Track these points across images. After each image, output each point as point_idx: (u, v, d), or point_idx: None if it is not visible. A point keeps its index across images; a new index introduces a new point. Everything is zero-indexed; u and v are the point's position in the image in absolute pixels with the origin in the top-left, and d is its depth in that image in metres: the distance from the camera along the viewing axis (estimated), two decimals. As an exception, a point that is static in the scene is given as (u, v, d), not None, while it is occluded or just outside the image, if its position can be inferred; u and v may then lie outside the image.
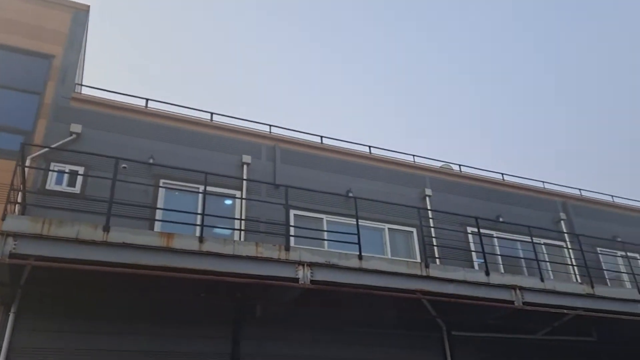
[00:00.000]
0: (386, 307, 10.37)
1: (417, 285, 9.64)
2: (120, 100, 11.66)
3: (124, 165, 10.26)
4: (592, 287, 11.35)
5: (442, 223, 12.76)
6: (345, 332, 10.61)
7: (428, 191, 13.84)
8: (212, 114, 12.43)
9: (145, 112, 11.75)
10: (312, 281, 8.72)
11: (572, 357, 12.62)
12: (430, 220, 12.94)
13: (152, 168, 10.84)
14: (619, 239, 15.35)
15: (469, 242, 13.54)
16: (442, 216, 12.71)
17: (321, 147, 13.36)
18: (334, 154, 13.41)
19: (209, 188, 9.71)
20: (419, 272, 9.69)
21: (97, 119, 11.08)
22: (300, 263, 8.77)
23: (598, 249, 15.18)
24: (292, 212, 11.43)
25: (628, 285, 14.39)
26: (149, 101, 11.89)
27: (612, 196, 17.39)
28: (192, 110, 12.32)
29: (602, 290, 11.48)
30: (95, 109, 11.21)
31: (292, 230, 10.45)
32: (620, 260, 15.15)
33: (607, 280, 14.66)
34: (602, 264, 14.90)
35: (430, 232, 12.76)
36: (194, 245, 8.18)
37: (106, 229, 7.78)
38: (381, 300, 9.68)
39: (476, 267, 12.84)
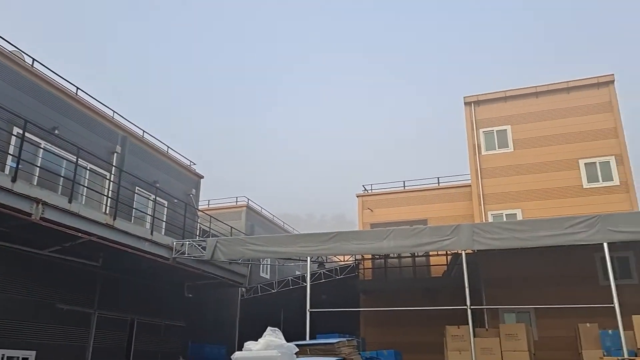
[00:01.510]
0: None
1: None
2: None
3: None
4: (114, 219, 12.14)
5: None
6: None
7: (-20, 71, 11.68)
8: None
9: None
10: None
11: (72, 277, 13.12)
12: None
13: None
14: (158, 185, 17.05)
15: (9, 144, 12.20)
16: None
17: None
18: None
19: None
20: None
21: None
22: None
23: (137, 188, 16.39)
24: None
25: (148, 225, 16.09)
26: None
27: (169, 147, 19.16)
28: None
29: (121, 224, 12.42)
30: None
31: None
32: (150, 204, 16.80)
33: (133, 217, 15.97)
34: (135, 202, 16.16)
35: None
36: None
37: None
38: None
39: (7, 171, 11.67)
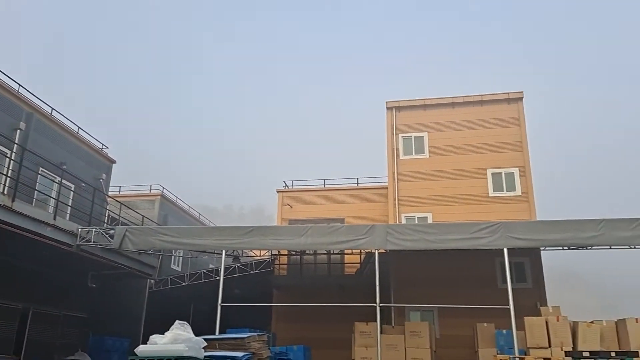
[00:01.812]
0: None
1: None
2: None
3: None
4: (13, 200, 11.21)
5: None
6: None
7: None
8: None
9: None
10: None
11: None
12: None
13: None
14: (65, 167, 15.96)
15: None
16: None
17: None
18: None
19: None
20: None
21: None
22: None
23: (40, 169, 15.24)
24: None
25: (51, 209, 15.02)
26: None
27: (80, 127, 18.02)
28: None
29: (21, 206, 11.49)
30: None
31: None
32: (55, 186, 15.68)
33: (35, 200, 14.82)
34: (37, 184, 15.01)
35: None
36: None
37: None
38: None
39: None
